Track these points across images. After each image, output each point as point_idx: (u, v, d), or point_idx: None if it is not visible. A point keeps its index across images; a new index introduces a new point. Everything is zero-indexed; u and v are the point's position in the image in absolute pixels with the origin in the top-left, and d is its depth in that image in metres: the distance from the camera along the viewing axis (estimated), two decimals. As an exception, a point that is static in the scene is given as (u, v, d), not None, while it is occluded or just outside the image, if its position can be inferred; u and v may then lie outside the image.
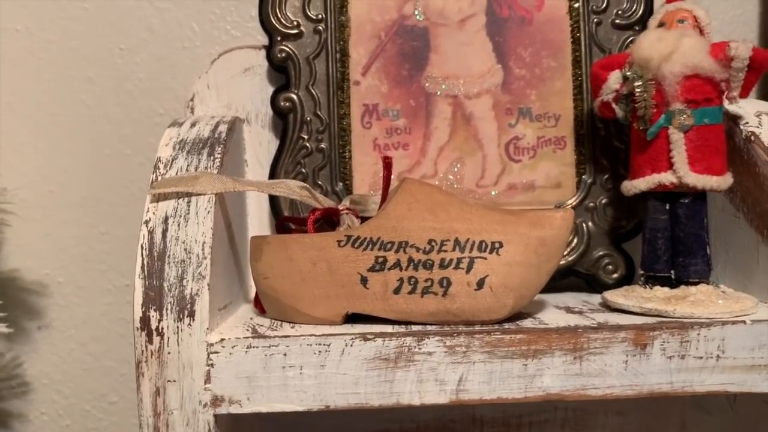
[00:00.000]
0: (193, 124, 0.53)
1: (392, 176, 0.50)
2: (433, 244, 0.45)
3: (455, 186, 0.58)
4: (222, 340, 0.42)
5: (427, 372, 0.43)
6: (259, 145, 0.61)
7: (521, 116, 0.59)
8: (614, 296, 0.50)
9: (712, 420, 0.61)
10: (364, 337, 0.43)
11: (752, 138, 0.52)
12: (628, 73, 0.50)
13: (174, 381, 0.42)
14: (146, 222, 0.45)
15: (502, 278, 0.44)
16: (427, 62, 0.59)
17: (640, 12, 0.59)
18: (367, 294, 0.45)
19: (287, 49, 0.58)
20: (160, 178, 0.48)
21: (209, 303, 0.43)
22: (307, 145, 0.58)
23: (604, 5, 0.59)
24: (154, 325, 0.43)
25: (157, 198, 0.46)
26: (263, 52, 0.60)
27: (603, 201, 0.58)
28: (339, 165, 0.58)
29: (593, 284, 0.58)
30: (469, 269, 0.44)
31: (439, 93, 0.59)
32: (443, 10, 0.59)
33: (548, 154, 0.59)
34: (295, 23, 0.59)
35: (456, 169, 0.59)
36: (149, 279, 0.43)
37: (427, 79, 0.59)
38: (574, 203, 0.58)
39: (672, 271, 0.50)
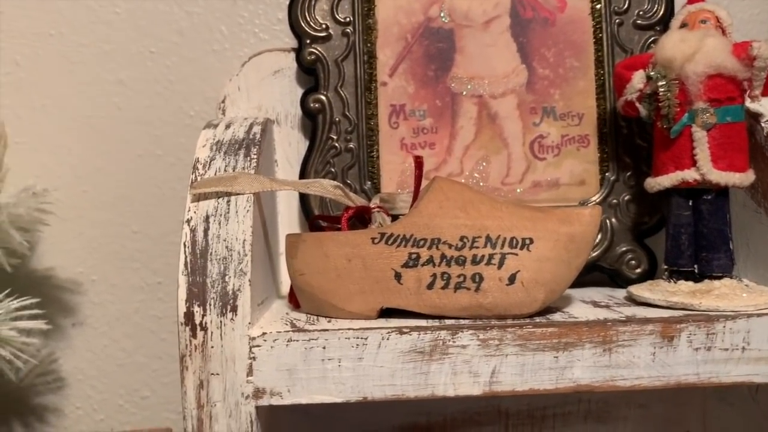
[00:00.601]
0: (227, 126, 0.54)
1: (423, 175, 0.52)
2: (465, 240, 0.47)
3: (481, 184, 0.60)
4: (263, 334, 0.44)
5: (461, 364, 0.44)
6: (289, 146, 0.63)
7: (545, 115, 0.60)
8: (640, 290, 0.51)
9: (733, 411, 0.62)
10: (400, 330, 0.44)
11: (774, 135, 0.53)
12: (652, 73, 0.52)
13: (217, 374, 0.44)
14: (188, 221, 0.47)
15: (533, 273, 0.46)
16: (453, 63, 0.60)
17: (661, 12, 0.60)
18: (401, 289, 0.47)
19: (316, 52, 0.60)
20: (199, 178, 0.49)
21: (250, 299, 0.45)
22: (336, 145, 0.60)
23: (626, 6, 0.60)
24: (197, 320, 0.44)
25: (198, 198, 0.48)
26: (292, 55, 0.62)
27: (626, 198, 0.59)
28: (367, 164, 0.60)
29: (617, 279, 0.59)
30: (500, 265, 0.46)
31: (464, 93, 0.60)
32: (468, 12, 0.60)
33: (572, 152, 0.60)
34: (323, 26, 0.60)
35: (482, 168, 0.60)
36: (192, 275, 0.45)
37: (452, 80, 0.60)
38: (597, 200, 0.59)
39: (695, 266, 0.52)
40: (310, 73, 0.61)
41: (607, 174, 0.60)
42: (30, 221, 0.59)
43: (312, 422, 0.64)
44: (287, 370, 0.44)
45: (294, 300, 0.52)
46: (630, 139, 0.60)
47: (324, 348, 0.44)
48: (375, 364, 0.44)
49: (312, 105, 0.60)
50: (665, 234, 0.53)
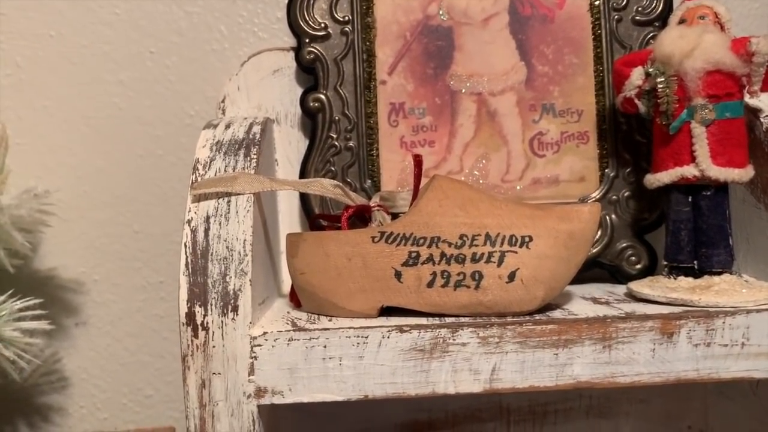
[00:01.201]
0: (227, 126, 0.54)
1: (422, 173, 0.52)
2: (465, 239, 0.47)
3: (481, 181, 0.60)
4: (264, 333, 0.44)
5: (462, 362, 0.45)
6: (289, 144, 0.63)
7: (545, 112, 0.60)
8: (640, 286, 0.51)
9: (734, 406, 0.62)
10: (401, 329, 0.44)
11: (773, 131, 0.53)
12: (651, 70, 0.52)
13: (219, 373, 0.44)
14: (188, 221, 0.47)
15: (532, 271, 0.46)
16: (452, 61, 0.60)
17: (660, 8, 0.60)
18: (402, 288, 0.47)
19: (315, 51, 0.60)
20: (199, 178, 0.49)
21: (251, 298, 0.45)
22: (336, 143, 0.60)
23: (624, 2, 0.60)
24: (199, 320, 0.44)
25: (198, 198, 0.48)
26: (292, 54, 0.62)
27: (626, 194, 0.60)
28: (367, 163, 0.60)
29: (617, 275, 0.59)
30: (500, 263, 0.46)
31: (463, 91, 0.60)
32: (467, 10, 0.61)
33: (572, 149, 0.60)
34: (322, 25, 0.60)
35: (481, 165, 0.60)
36: (193, 276, 0.45)
37: (451, 78, 0.60)
38: (597, 196, 0.59)
39: (695, 262, 0.52)
40: (309, 72, 0.61)
41: (606, 170, 0.60)
42: (32, 222, 0.59)
43: (313, 420, 0.65)
44: (288, 369, 0.44)
45: (295, 299, 0.53)
46: (629, 136, 0.60)
47: (325, 347, 0.44)
48: (376, 363, 0.44)
49: (311, 104, 0.60)
50: (665, 230, 0.54)
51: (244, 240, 0.46)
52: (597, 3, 0.60)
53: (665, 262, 0.53)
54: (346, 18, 0.60)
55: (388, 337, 0.44)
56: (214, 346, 0.44)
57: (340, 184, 0.52)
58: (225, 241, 0.46)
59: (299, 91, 0.62)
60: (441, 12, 0.61)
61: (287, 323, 0.47)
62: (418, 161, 0.51)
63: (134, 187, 0.69)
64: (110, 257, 0.69)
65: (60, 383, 0.69)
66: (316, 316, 0.49)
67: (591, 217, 0.48)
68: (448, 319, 0.46)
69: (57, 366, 0.69)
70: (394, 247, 0.47)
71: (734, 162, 0.51)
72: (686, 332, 0.45)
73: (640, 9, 0.60)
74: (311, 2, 0.60)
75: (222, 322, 0.44)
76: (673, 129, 0.51)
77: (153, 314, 0.70)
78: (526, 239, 0.46)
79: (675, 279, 0.51)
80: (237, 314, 0.44)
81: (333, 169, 0.60)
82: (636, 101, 0.53)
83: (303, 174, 0.60)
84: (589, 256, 0.59)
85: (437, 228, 0.47)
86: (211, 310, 0.44)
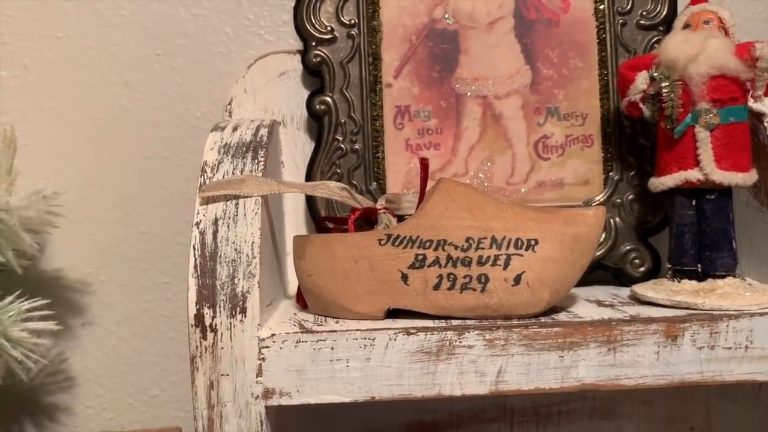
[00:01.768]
0: (234, 128, 0.55)
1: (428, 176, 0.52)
2: (471, 242, 0.47)
3: (485, 184, 0.60)
4: (273, 335, 0.45)
5: (468, 364, 0.45)
6: (295, 147, 0.63)
7: (549, 115, 0.61)
8: (644, 289, 0.52)
9: (737, 408, 0.63)
10: (407, 331, 0.45)
11: (776, 135, 0.54)
12: (656, 74, 0.52)
13: (227, 375, 0.45)
14: (197, 224, 0.48)
15: (538, 274, 0.46)
16: (457, 64, 0.61)
17: (664, 13, 0.60)
18: (408, 290, 0.48)
19: (322, 54, 0.60)
20: (207, 181, 0.50)
21: (259, 300, 0.45)
22: (342, 146, 0.60)
23: (629, 6, 0.61)
24: (207, 321, 0.45)
25: (206, 201, 0.49)
26: (298, 57, 0.62)
27: (630, 197, 0.60)
28: (373, 165, 0.60)
29: (621, 278, 0.60)
30: (506, 266, 0.46)
31: (469, 94, 0.61)
32: (472, 14, 0.61)
33: (576, 152, 0.61)
34: (329, 28, 0.60)
35: (486, 168, 0.60)
36: (202, 278, 0.46)
37: (457, 81, 0.61)
38: (601, 199, 0.60)
39: (699, 265, 0.52)
40: (315, 75, 0.61)
41: (611, 173, 0.60)
42: (40, 224, 0.60)
43: (320, 420, 0.65)
44: (296, 371, 0.45)
45: (301, 300, 0.53)
46: (633, 139, 0.60)
47: (332, 349, 0.45)
48: (383, 365, 0.45)
49: (317, 107, 0.60)
50: (669, 233, 0.54)
51: (252, 242, 0.47)
52: (602, 7, 0.61)
53: (669, 265, 0.53)
54: (353, 21, 0.61)
55: (395, 340, 0.45)
56: (222, 348, 0.45)
57: (347, 186, 0.52)
58: (233, 243, 0.47)
59: (305, 93, 0.62)
60: (447, 15, 0.61)
61: (294, 325, 0.47)
62: (424, 164, 0.52)
63: (141, 188, 0.69)
64: (117, 258, 0.70)
65: (66, 383, 0.70)
66: (323, 318, 0.50)
67: (596, 221, 0.48)
68: (455, 322, 0.46)
69: (63, 366, 0.69)
70: (401, 249, 0.48)
71: (738, 166, 0.51)
72: (690, 335, 0.46)
73: (644, 13, 0.61)
74: (317, 5, 0.61)
75: (230, 323, 0.45)
76: (677, 133, 0.51)
77: (159, 315, 0.70)
78: (532, 242, 0.47)
79: (679, 282, 0.51)
80: (245, 316, 0.45)
81: (339, 171, 0.60)
82: (641, 105, 0.53)
83: (309, 176, 0.60)
84: (594, 258, 0.59)
85: (443, 231, 0.48)
86: (220, 312, 0.45)
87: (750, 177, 0.52)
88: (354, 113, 0.60)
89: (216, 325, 0.45)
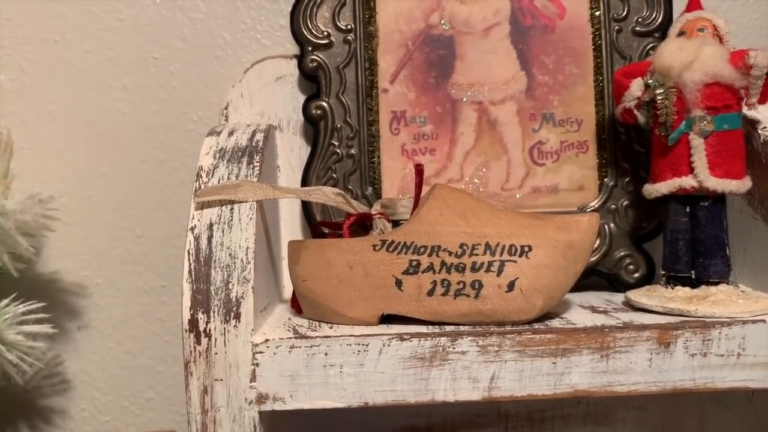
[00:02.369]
0: (230, 133, 0.55)
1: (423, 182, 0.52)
2: (465, 248, 0.47)
3: (481, 189, 0.60)
4: (266, 340, 0.45)
5: (461, 370, 0.45)
6: (291, 151, 0.64)
7: (545, 121, 0.61)
8: (637, 296, 0.52)
9: (730, 414, 0.63)
10: (401, 337, 0.45)
11: (770, 142, 0.54)
12: (650, 81, 0.52)
13: (221, 380, 0.45)
14: (191, 228, 0.48)
15: (531, 280, 0.46)
16: (453, 70, 0.61)
17: (660, 19, 0.61)
18: (402, 296, 0.48)
19: (318, 59, 0.61)
20: (203, 186, 0.50)
21: (253, 305, 0.45)
22: (338, 151, 0.60)
23: (625, 13, 0.61)
24: (202, 327, 0.45)
25: (201, 206, 0.49)
26: (294, 62, 0.62)
27: (624, 203, 0.60)
28: (368, 170, 0.60)
29: (615, 283, 0.60)
30: (499, 272, 0.47)
31: (464, 99, 0.61)
32: (468, 20, 0.61)
33: (571, 158, 0.61)
34: (325, 33, 0.61)
35: (481, 173, 0.61)
36: (196, 283, 0.46)
37: (453, 86, 0.61)
38: (596, 205, 0.60)
39: (692, 272, 0.52)
40: (311, 80, 0.61)
41: (605, 179, 0.60)
42: (36, 227, 0.60)
43: (314, 424, 0.65)
44: (290, 376, 0.45)
45: (296, 305, 0.53)
46: (628, 145, 0.60)
47: (326, 354, 0.45)
48: (376, 370, 0.45)
49: (314, 111, 0.61)
50: (663, 240, 0.54)
51: (247, 248, 0.47)
52: (597, 13, 0.61)
53: (663, 272, 0.53)
54: (349, 26, 0.61)
55: (389, 345, 0.45)
56: (216, 353, 0.45)
57: (342, 192, 0.52)
58: (228, 248, 0.47)
59: (302, 98, 0.62)
60: (443, 21, 0.61)
61: (289, 330, 0.47)
62: (419, 170, 0.52)
63: (137, 191, 0.69)
64: (113, 261, 0.70)
65: (62, 386, 0.70)
66: (317, 323, 0.50)
67: (590, 228, 0.48)
68: (448, 328, 0.47)
69: (59, 369, 0.70)
70: (395, 255, 0.48)
71: (732, 173, 0.51)
72: (683, 342, 0.46)
73: (640, 20, 0.61)
74: (314, 10, 0.61)
75: (224, 329, 0.45)
76: (671, 140, 0.52)
77: (155, 318, 0.70)
78: (526, 249, 0.47)
79: (672, 289, 0.52)
80: (239, 321, 0.45)
81: (335, 176, 0.60)
82: (635, 112, 0.53)
83: (305, 181, 0.60)
84: (588, 264, 0.59)
85: (438, 237, 0.48)
86: (214, 317, 0.45)
87: (743, 184, 0.52)
88: (350, 118, 0.61)
89: (210, 330, 0.45)
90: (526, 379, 0.45)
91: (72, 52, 0.68)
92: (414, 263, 0.48)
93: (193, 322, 0.45)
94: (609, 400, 0.66)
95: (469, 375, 0.45)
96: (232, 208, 0.48)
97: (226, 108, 0.63)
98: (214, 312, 0.45)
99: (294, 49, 0.62)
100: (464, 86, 0.61)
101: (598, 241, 0.60)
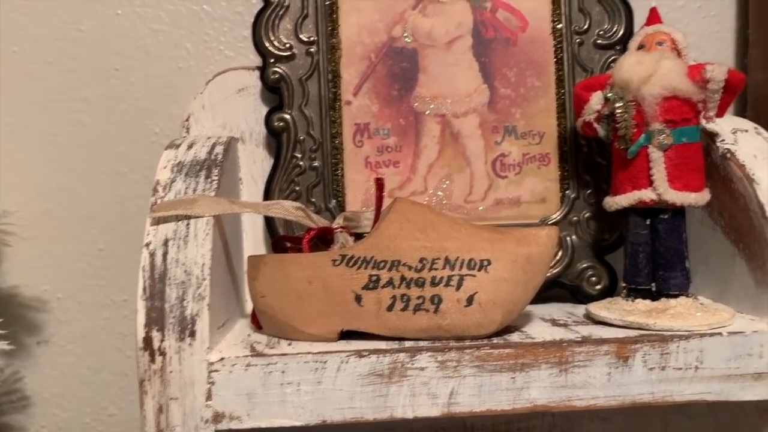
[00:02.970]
0: (189, 146, 0.54)
1: (384, 196, 0.52)
2: (425, 262, 0.47)
3: (444, 202, 0.60)
4: (222, 359, 0.44)
5: (420, 386, 0.45)
6: (254, 163, 0.63)
7: (507, 134, 0.61)
8: (597, 309, 0.52)
9: (692, 424, 0.63)
10: (359, 354, 0.45)
11: (728, 155, 0.54)
12: (609, 95, 0.52)
13: (176, 398, 0.44)
14: (147, 244, 0.47)
15: (490, 295, 0.46)
16: (416, 83, 0.61)
17: (621, 32, 0.61)
18: (362, 311, 0.47)
19: (280, 71, 0.60)
20: (159, 201, 0.49)
21: (209, 323, 0.45)
22: (301, 163, 0.60)
23: (586, 26, 0.61)
24: (156, 345, 0.44)
25: (157, 221, 0.48)
26: (257, 73, 0.62)
27: (586, 215, 0.60)
28: (332, 183, 0.60)
29: (577, 295, 0.60)
30: (459, 286, 0.46)
31: (427, 112, 0.61)
32: (431, 32, 0.61)
33: (533, 171, 0.61)
34: (287, 45, 0.60)
35: (445, 186, 0.61)
36: (151, 300, 0.45)
37: (416, 99, 0.61)
38: (558, 217, 0.60)
39: (653, 284, 0.53)
40: (274, 92, 0.61)
41: (567, 192, 0.61)
42: (-9, 243, 0.59)
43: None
44: (246, 395, 0.44)
45: (256, 321, 0.53)
46: (590, 158, 0.61)
47: (283, 372, 0.44)
48: (334, 388, 0.45)
49: (276, 124, 0.60)
50: (624, 252, 0.54)
51: (203, 264, 0.46)
52: (559, 26, 0.61)
53: (624, 284, 0.54)
54: (312, 39, 0.60)
55: (347, 362, 0.45)
56: (171, 371, 0.44)
57: (302, 206, 0.52)
58: (183, 264, 0.46)
59: (264, 110, 0.62)
60: (406, 34, 0.61)
61: (246, 348, 0.47)
62: (379, 184, 0.51)
63: (98, 204, 0.68)
64: (74, 275, 0.69)
65: (21, 402, 0.69)
66: (276, 340, 0.49)
67: (548, 241, 0.48)
68: (407, 344, 0.46)
69: (18, 385, 0.68)
70: (355, 270, 0.48)
71: (691, 186, 0.52)
72: (641, 356, 0.46)
73: (601, 33, 0.61)
74: (276, 22, 0.60)
75: (179, 347, 0.44)
76: (631, 153, 0.52)
77: (117, 332, 0.69)
78: (485, 263, 0.47)
79: (633, 301, 0.52)
80: (194, 339, 0.44)
81: (298, 188, 0.60)
82: (595, 125, 0.54)
83: (267, 193, 0.60)
84: (550, 276, 0.59)
85: (398, 251, 0.47)
86: (168, 335, 0.44)
87: (702, 197, 0.52)
88: (313, 130, 0.60)
89: (165, 348, 0.44)
90: (485, 395, 0.45)
91: (31, 63, 0.67)
92: (374, 278, 0.47)
93: (148, 340, 0.44)
94: (573, 412, 0.66)
95: (428, 391, 0.45)
96: (188, 224, 0.48)
97: (187, 120, 0.62)
98: (168, 330, 0.44)
99: (258, 60, 0.62)
100: (427, 99, 0.61)
101: (560, 253, 0.60)
